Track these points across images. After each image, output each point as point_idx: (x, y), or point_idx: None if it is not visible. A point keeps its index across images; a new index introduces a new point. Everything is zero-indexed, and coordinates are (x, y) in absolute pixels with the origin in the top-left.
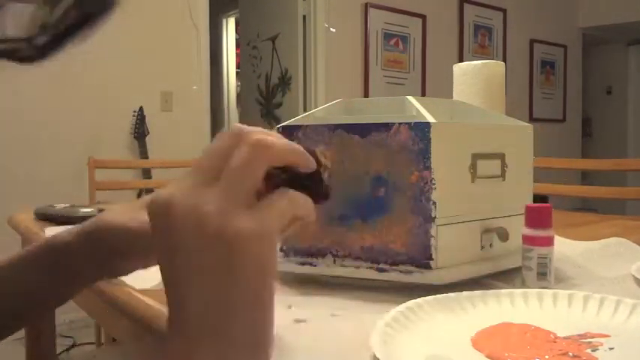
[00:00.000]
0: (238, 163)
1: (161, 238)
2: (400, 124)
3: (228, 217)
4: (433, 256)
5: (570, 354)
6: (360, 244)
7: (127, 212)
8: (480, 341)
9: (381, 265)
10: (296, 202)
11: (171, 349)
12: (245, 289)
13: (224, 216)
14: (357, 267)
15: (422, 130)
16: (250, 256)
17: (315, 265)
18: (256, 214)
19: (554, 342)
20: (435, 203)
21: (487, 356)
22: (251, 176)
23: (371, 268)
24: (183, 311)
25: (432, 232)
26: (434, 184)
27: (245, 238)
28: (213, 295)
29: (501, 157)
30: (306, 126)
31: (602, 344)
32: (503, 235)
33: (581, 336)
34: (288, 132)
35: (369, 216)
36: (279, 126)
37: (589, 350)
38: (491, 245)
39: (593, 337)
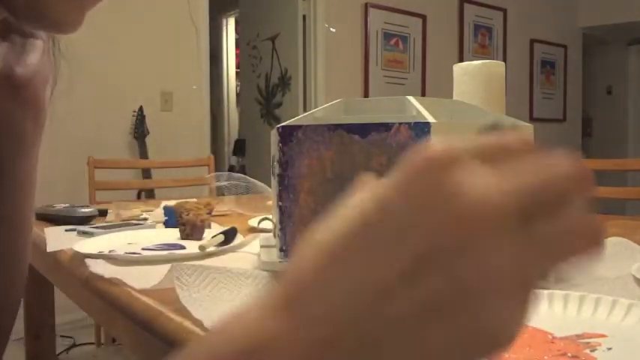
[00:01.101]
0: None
1: (416, 206)
2: (400, 124)
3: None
4: None
5: (569, 354)
6: None
7: None
8: None
9: None
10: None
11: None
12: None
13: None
14: None
15: (422, 130)
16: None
17: None
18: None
19: (552, 342)
20: None
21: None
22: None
23: None
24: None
25: None
26: None
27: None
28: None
29: None
30: (306, 126)
31: (600, 344)
32: None
33: (578, 336)
34: (288, 132)
35: None
36: (279, 126)
37: (587, 350)
38: None
39: (590, 338)
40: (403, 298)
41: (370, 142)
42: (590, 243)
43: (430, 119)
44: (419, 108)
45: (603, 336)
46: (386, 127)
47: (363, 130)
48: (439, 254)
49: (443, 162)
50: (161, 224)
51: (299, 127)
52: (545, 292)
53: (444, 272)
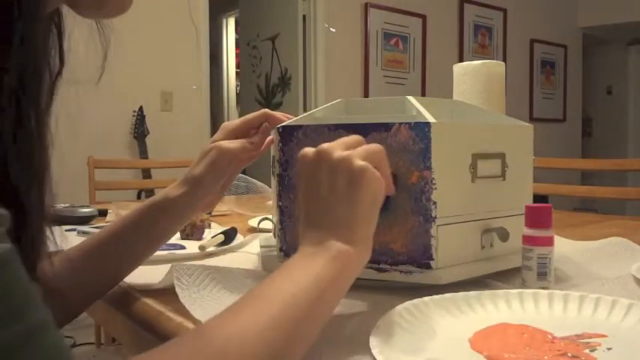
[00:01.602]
0: (375, 146)
1: (311, 172)
2: (400, 124)
3: (360, 162)
4: (434, 256)
5: (569, 354)
6: None
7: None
8: (477, 342)
9: (382, 265)
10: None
11: (309, 237)
12: (363, 202)
13: (357, 160)
14: None
15: (422, 130)
16: (368, 182)
17: None
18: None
19: (552, 342)
20: (435, 203)
21: (486, 357)
22: (380, 155)
23: (371, 268)
24: (320, 215)
25: (433, 232)
26: (434, 184)
27: (365, 170)
28: (341, 206)
29: (502, 157)
30: (307, 126)
31: (600, 344)
32: (504, 236)
33: (578, 336)
34: (289, 132)
35: None
36: (279, 126)
37: (587, 350)
38: (491, 245)
39: (590, 338)
40: (334, 190)
41: (371, 142)
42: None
43: (430, 119)
44: (419, 108)
45: (603, 336)
46: (386, 127)
47: (363, 130)
48: (334, 175)
49: (324, 150)
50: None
51: (299, 127)
52: (546, 292)
53: (336, 174)
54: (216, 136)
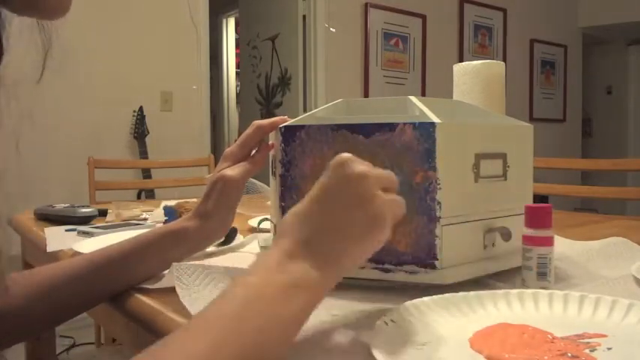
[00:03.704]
0: (388, 173)
1: (341, 185)
2: (405, 124)
3: (388, 212)
4: (438, 256)
5: (569, 354)
6: None
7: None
8: (478, 342)
9: (386, 266)
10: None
11: (288, 238)
12: (365, 246)
13: (388, 208)
14: (362, 267)
15: (427, 130)
16: (381, 232)
17: None
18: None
19: (552, 342)
20: (439, 203)
21: (487, 357)
22: (390, 180)
23: (376, 268)
24: (313, 228)
25: (437, 231)
26: (439, 184)
27: (388, 221)
28: (345, 235)
29: (503, 157)
30: (309, 126)
31: (600, 344)
32: (507, 235)
33: (578, 336)
34: (291, 132)
35: None
36: (281, 126)
37: (587, 350)
38: (493, 245)
39: (590, 338)
40: (349, 224)
41: (374, 142)
42: (401, 208)
43: (435, 119)
44: (422, 108)
45: (603, 336)
46: (390, 127)
47: (366, 130)
48: (350, 199)
49: (344, 160)
50: (161, 224)
51: (301, 127)
52: (546, 292)
53: (360, 208)
54: (219, 166)
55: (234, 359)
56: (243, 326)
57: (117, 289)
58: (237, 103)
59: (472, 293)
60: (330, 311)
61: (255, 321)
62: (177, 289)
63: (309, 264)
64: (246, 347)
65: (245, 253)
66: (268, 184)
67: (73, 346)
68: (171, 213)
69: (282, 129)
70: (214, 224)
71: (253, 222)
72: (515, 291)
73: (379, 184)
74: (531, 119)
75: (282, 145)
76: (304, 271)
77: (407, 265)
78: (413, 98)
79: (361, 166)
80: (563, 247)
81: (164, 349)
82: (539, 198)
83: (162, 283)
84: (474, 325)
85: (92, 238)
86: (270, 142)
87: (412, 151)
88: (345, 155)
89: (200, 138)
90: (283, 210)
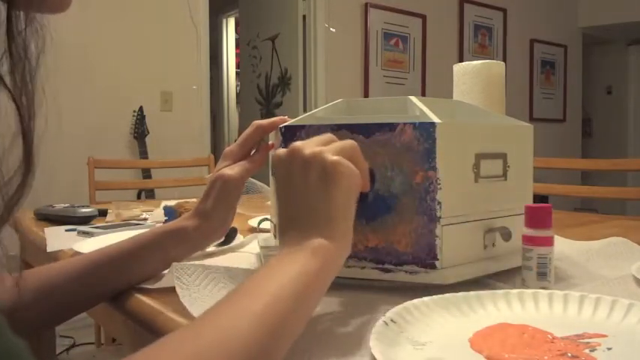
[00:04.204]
0: (348, 142)
1: (285, 170)
2: (405, 124)
3: (332, 156)
4: (438, 256)
5: (569, 354)
6: (364, 245)
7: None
8: (477, 342)
9: (386, 266)
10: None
11: (288, 237)
12: (338, 196)
13: (330, 155)
14: (362, 267)
15: (427, 130)
16: (341, 176)
17: None
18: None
19: (552, 342)
20: (440, 203)
21: (486, 357)
22: (354, 150)
23: (376, 268)
24: (297, 213)
25: (437, 232)
26: (439, 184)
27: (337, 164)
28: (317, 201)
29: (503, 156)
30: (309, 126)
31: (600, 344)
32: (507, 235)
33: (578, 336)
34: (291, 132)
35: (374, 216)
36: (281, 126)
37: (587, 350)
38: (493, 245)
39: (590, 338)
40: (310, 189)
41: (374, 142)
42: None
43: (435, 119)
44: (422, 108)
45: (603, 336)
46: (390, 127)
47: (367, 130)
48: (307, 171)
49: (296, 147)
50: (161, 224)
51: (302, 127)
52: (546, 292)
53: (309, 171)
54: (218, 165)
55: (279, 320)
56: (282, 295)
57: (117, 288)
58: (237, 103)
59: (472, 293)
60: (330, 311)
61: (295, 288)
62: (177, 289)
63: (311, 241)
64: (290, 307)
65: (245, 253)
66: (268, 184)
67: (73, 346)
68: (171, 213)
69: (282, 129)
70: (214, 223)
71: (253, 222)
72: (515, 291)
73: (331, 153)
74: (531, 119)
75: (283, 145)
76: (318, 243)
77: (407, 265)
78: (413, 98)
79: (307, 149)
80: (563, 247)
81: (165, 347)
82: (539, 198)
83: (162, 283)
84: (474, 325)
85: (92, 238)
86: (270, 142)
87: (412, 151)
88: (283, 150)
89: (200, 138)
90: None
